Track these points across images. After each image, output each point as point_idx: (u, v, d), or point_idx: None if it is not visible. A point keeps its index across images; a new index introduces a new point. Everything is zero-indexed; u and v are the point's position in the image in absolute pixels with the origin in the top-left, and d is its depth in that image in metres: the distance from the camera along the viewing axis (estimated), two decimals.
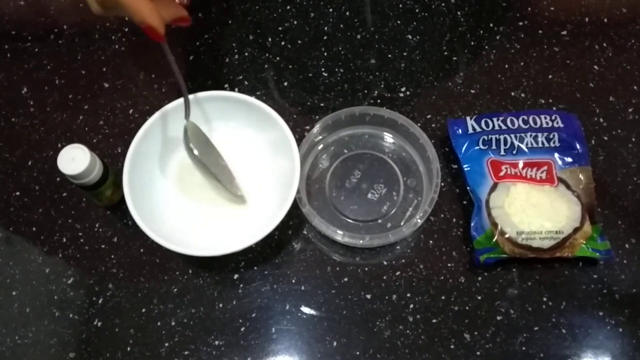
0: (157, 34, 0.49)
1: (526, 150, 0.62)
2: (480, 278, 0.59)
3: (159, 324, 0.58)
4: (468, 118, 0.64)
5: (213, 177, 0.58)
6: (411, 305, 0.58)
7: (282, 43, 0.72)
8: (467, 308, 0.58)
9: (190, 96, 0.60)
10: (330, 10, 0.73)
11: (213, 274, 0.60)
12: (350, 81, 0.69)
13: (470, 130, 0.63)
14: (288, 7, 0.74)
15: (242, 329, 0.58)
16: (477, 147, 0.62)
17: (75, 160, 0.55)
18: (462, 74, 0.69)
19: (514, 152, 0.62)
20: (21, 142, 0.67)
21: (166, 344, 0.58)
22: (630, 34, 0.71)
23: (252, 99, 0.60)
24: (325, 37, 0.72)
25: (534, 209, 0.58)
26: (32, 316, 0.59)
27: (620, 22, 0.72)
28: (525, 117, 0.63)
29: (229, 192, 0.60)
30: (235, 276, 0.60)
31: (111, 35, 0.73)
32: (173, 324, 0.58)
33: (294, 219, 0.62)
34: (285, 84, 0.69)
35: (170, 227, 0.59)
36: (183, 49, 0.71)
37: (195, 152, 0.57)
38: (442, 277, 0.60)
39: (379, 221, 0.61)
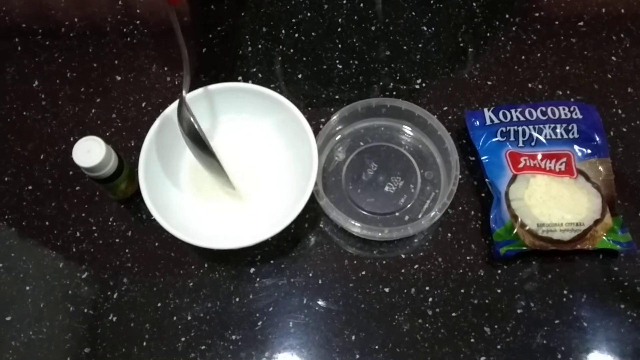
0: None
1: (545, 141, 0.61)
2: (499, 271, 0.59)
3: (175, 318, 0.58)
4: (486, 110, 0.63)
5: (213, 160, 0.55)
6: (430, 299, 0.58)
7: (296, 35, 0.71)
8: (486, 301, 0.58)
9: (204, 88, 0.60)
10: (344, 1, 0.72)
11: (229, 267, 0.60)
12: (365, 73, 0.68)
13: (488, 122, 0.62)
14: None
15: (259, 323, 0.57)
16: (495, 139, 0.61)
17: (90, 152, 0.54)
18: (478, 65, 0.68)
19: (533, 143, 0.61)
20: (33, 136, 0.66)
21: (182, 339, 0.57)
22: None
23: (269, 91, 0.59)
24: (339, 29, 0.71)
25: (554, 201, 0.58)
26: (47, 311, 0.59)
27: (637, 12, 0.71)
28: (544, 109, 0.62)
29: (226, 180, 0.58)
30: (252, 270, 0.60)
31: (122, 27, 0.72)
32: (189, 318, 0.58)
33: (309, 212, 0.62)
34: (300, 76, 0.69)
35: (185, 220, 0.58)
36: (196, 42, 0.71)
37: (196, 125, 0.54)
38: (461, 270, 0.59)
39: (397, 214, 0.61)
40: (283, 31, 0.71)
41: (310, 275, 0.59)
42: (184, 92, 0.56)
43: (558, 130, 0.61)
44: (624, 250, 0.58)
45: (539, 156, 0.60)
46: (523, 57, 0.69)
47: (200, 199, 0.61)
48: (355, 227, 0.58)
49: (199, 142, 0.55)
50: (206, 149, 0.55)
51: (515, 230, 0.57)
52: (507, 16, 0.71)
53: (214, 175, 0.59)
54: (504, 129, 0.61)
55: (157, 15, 0.56)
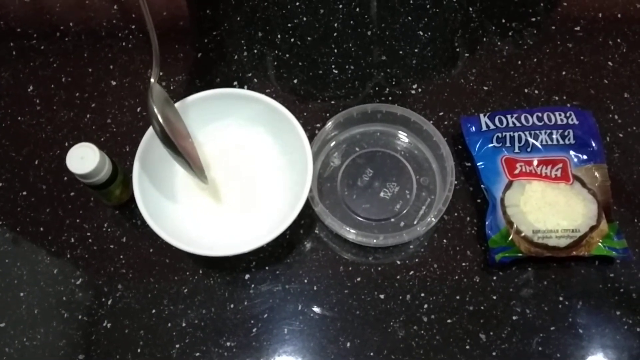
0: None
1: (541, 147, 0.61)
2: (495, 277, 0.59)
3: (169, 325, 0.58)
4: (482, 115, 0.63)
5: (179, 155, 0.53)
6: (425, 305, 0.58)
7: (292, 40, 0.71)
8: (482, 308, 0.57)
9: (200, 94, 0.59)
10: (340, 6, 0.72)
11: (224, 274, 0.60)
12: (361, 78, 0.68)
13: (484, 128, 0.62)
14: (297, 4, 0.73)
15: (254, 330, 0.57)
16: (491, 145, 0.61)
17: (84, 159, 0.54)
18: (474, 70, 0.68)
19: (529, 149, 0.61)
20: (28, 141, 0.66)
21: (177, 346, 0.57)
22: None
23: (262, 96, 0.59)
24: (335, 34, 0.71)
25: (550, 207, 0.57)
26: (41, 317, 0.58)
27: (634, 17, 0.71)
28: (540, 114, 0.62)
29: (195, 175, 0.56)
30: (247, 276, 0.59)
31: (118, 32, 0.72)
32: (184, 325, 0.58)
33: (305, 218, 0.61)
34: (295, 81, 0.68)
35: (180, 226, 0.58)
36: (191, 46, 0.70)
37: (159, 117, 0.52)
38: (456, 277, 0.59)
39: (392, 220, 0.61)
40: (279, 36, 0.71)
41: (305, 281, 0.59)
42: (152, 80, 0.54)
43: (554, 136, 0.61)
44: (619, 257, 0.58)
45: (535, 162, 0.60)
46: (519, 62, 0.68)
47: (194, 206, 0.60)
48: (351, 234, 0.58)
49: (166, 140, 0.53)
50: (168, 140, 0.53)
51: (510, 237, 0.57)
52: (503, 21, 0.71)
53: (188, 172, 0.57)
54: (499, 135, 0.61)
55: (153, 20, 0.56)
